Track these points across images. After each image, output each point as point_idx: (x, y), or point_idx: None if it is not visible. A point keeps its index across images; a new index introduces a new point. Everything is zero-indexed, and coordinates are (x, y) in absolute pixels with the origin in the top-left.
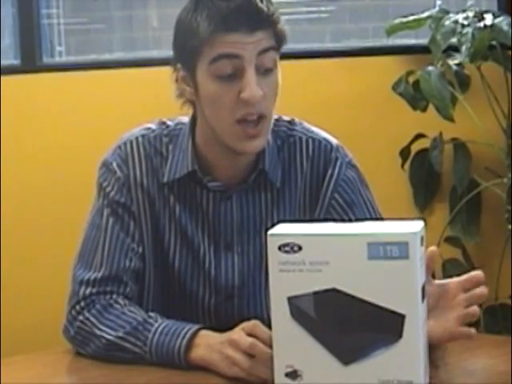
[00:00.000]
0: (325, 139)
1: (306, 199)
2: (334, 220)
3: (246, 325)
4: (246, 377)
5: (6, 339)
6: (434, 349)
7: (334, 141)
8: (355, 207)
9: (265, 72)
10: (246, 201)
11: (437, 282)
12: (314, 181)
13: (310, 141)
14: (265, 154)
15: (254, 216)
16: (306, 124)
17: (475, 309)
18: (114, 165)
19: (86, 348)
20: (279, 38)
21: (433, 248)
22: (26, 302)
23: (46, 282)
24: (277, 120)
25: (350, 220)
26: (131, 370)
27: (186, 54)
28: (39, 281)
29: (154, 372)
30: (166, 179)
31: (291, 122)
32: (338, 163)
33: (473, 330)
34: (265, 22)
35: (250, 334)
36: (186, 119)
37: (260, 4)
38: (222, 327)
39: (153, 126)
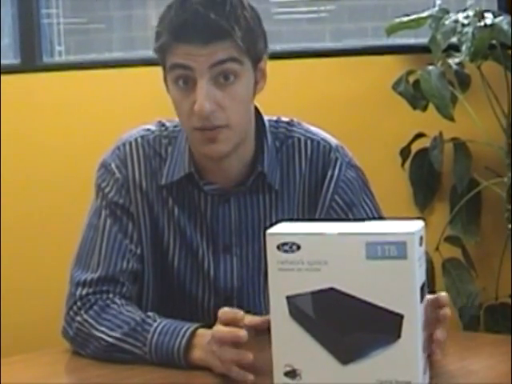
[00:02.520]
0: (324, 140)
1: (305, 201)
2: (335, 221)
3: (219, 315)
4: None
5: (5, 339)
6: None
7: (334, 141)
8: (355, 208)
9: (225, 83)
10: (244, 203)
11: None
12: (313, 182)
13: (309, 142)
14: (264, 156)
15: (253, 218)
16: (305, 124)
17: (443, 333)
18: (113, 166)
19: (86, 349)
20: (244, 48)
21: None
22: (26, 302)
23: (46, 281)
24: (275, 121)
25: (350, 221)
26: (131, 370)
27: (158, 56)
28: (39, 281)
29: (153, 372)
30: (164, 181)
31: (290, 123)
32: (338, 164)
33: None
34: (219, 33)
35: (226, 323)
36: None
37: (212, 16)
38: None
39: (152, 127)
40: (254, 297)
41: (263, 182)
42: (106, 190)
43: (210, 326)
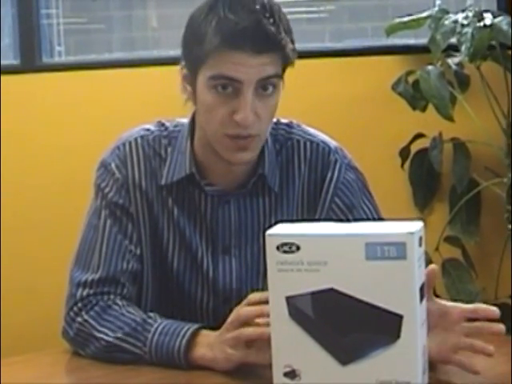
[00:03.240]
0: (323, 142)
1: (304, 203)
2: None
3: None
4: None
5: (5, 339)
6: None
7: (333, 143)
8: (355, 210)
9: (263, 94)
10: (243, 205)
11: (439, 301)
12: (312, 184)
13: (308, 144)
14: (264, 159)
15: (252, 220)
16: (304, 126)
17: (475, 342)
18: (113, 166)
19: (86, 349)
20: (286, 62)
21: (433, 266)
22: (26, 302)
23: (46, 281)
24: (275, 123)
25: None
26: (131, 370)
27: (191, 57)
28: (39, 281)
29: (153, 372)
30: (164, 181)
31: (289, 125)
32: (337, 166)
33: (468, 364)
34: (272, 45)
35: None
36: (184, 120)
37: (269, 27)
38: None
39: (151, 127)
40: None
41: (263, 185)
42: (106, 190)
43: (210, 328)
